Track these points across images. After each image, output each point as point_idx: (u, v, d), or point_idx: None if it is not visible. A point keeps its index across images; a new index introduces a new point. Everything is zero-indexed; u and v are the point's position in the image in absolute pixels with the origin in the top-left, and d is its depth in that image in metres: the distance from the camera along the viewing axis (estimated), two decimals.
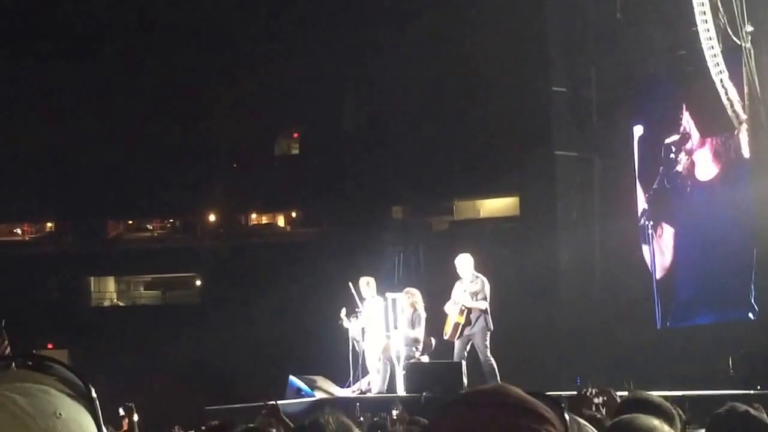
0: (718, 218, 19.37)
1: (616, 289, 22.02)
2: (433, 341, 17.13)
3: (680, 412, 5.32)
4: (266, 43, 31.27)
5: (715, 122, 18.77)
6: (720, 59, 17.39)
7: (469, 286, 16.24)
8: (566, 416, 1.72)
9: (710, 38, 17.33)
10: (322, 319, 21.37)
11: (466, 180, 30.01)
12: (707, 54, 17.37)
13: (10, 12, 31.35)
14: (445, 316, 16.57)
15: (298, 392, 17.81)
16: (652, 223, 20.92)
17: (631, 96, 22.17)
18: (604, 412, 6.61)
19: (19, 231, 36.99)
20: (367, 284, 17.57)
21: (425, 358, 17.08)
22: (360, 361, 17.81)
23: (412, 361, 16.79)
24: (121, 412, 11.02)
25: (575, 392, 7.99)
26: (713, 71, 17.43)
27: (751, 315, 18.53)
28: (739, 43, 17.49)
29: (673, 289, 20.64)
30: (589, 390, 7.23)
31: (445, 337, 16.57)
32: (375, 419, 11.07)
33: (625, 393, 6.72)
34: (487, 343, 16.27)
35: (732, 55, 17.59)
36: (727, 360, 17.80)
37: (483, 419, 1.64)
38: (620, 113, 22.40)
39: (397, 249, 24.81)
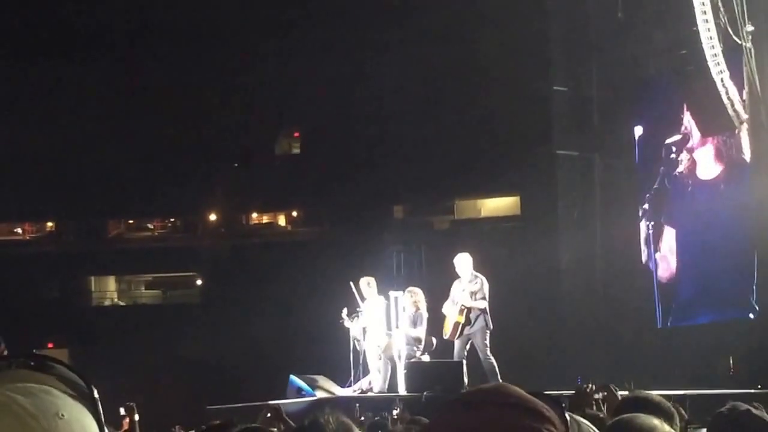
0: (719, 218, 19.37)
1: (616, 289, 22.03)
2: (434, 340, 17.14)
3: (682, 411, 5.32)
4: (267, 42, 31.25)
5: (715, 122, 18.77)
6: (721, 59, 17.39)
7: (468, 286, 16.25)
8: (566, 415, 1.71)
9: (711, 38, 17.33)
10: (323, 318, 21.37)
11: (467, 179, 30.01)
12: (708, 53, 17.37)
13: (10, 12, 31.35)
14: (443, 315, 16.58)
15: (299, 392, 17.81)
16: (652, 223, 20.91)
17: (631, 95, 22.18)
18: (605, 409, 6.62)
19: (19, 230, 36.98)
20: (367, 284, 17.57)
21: (426, 358, 17.09)
22: (361, 361, 17.81)
23: (412, 360, 16.80)
24: (122, 411, 11.01)
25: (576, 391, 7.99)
26: (714, 71, 17.43)
27: (751, 315, 18.54)
28: (739, 42, 17.48)
29: (673, 289, 20.64)
30: (590, 386, 7.24)
31: (445, 337, 16.58)
32: (376, 419, 11.07)
33: (626, 393, 6.72)
34: (487, 342, 16.28)
35: (732, 54, 17.58)
36: (727, 359, 17.82)
37: (483, 418, 1.64)
38: (621, 113, 22.40)
39: (398, 248, 24.77)
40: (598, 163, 23.22)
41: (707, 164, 19.78)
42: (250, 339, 28.64)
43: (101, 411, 1.53)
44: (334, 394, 17.76)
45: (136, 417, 10.30)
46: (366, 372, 17.70)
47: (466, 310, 16.21)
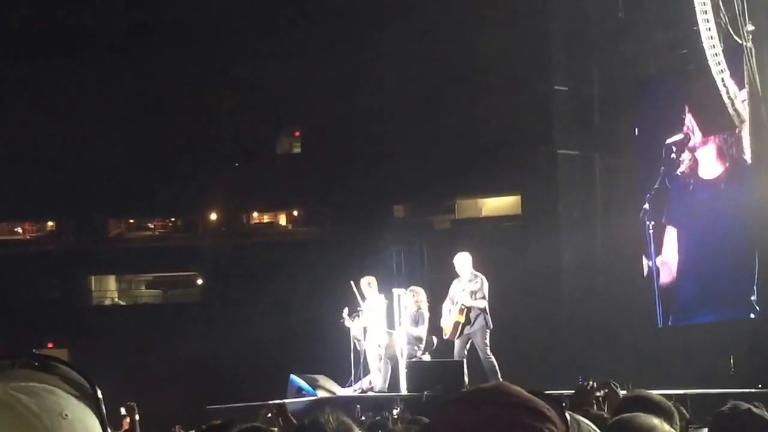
0: (720, 217, 19.37)
1: (617, 288, 22.02)
2: (435, 340, 17.15)
3: (683, 411, 5.32)
4: (268, 42, 31.25)
5: (715, 121, 18.77)
6: (721, 58, 17.39)
7: (469, 285, 16.26)
8: (567, 415, 1.71)
9: (711, 37, 17.34)
10: (324, 318, 21.37)
11: (467, 179, 30.01)
12: (708, 53, 17.37)
13: (10, 12, 31.35)
14: (442, 315, 16.60)
15: (299, 391, 17.82)
16: (653, 222, 20.91)
17: (632, 95, 22.18)
18: (605, 408, 6.61)
19: (19, 230, 36.98)
20: (368, 284, 17.58)
21: (427, 357, 17.10)
22: (361, 361, 17.82)
23: (413, 360, 16.81)
24: (123, 411, 11.01)
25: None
26: (714, 70, 17.43)
27: (752, 314, 18.54)
28: (740, 42, 17.48)
29: (674, 289, 20.64)
30: (590, 384, 7.24)
31: (445, 337, 16.59)
32: (376, 418, 11.07)
33: (625, 392, 6.72)
34: (487, 341, 16.29)
35: (733, 54, 17.59)
36: (728, 359, 17.82)
37: (484, 418, 1.64)
38: (622, 112, 22.41)
39: (399, 248, 24.75)
40: (599, 162, 23.22)
41: (709, 163, 19.78)
42: (250, 338, 28.63)
43: (104, 411, 1.53)
44: (334, 393, 17.77)
45: (137, 417, 10.30)
46: (366, 371, 17.70)
47: (466, 309, 16.22)
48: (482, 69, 27.30)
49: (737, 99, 17.87)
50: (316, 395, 17.42)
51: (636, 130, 21.85)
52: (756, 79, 17.61)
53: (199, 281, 36.93)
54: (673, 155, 20.44)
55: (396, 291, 17.54)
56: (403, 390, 16.56)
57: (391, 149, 30.15)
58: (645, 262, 21.14)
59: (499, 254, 23.51)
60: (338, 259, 26.79)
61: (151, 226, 38.08)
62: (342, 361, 18.46)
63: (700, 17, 17.29)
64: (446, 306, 16.52)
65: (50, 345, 31.24)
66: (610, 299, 22.22)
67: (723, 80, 17.52)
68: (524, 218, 28.93)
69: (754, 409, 4.57)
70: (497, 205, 33.02)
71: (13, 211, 34.37)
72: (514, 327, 20.44)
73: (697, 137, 20.01)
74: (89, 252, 34.52)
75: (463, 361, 16.11)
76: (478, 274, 16.44)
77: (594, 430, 2.29)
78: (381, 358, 17.27)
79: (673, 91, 20.57)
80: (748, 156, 18.69)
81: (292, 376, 18.34)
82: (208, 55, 31.80)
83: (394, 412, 12.23)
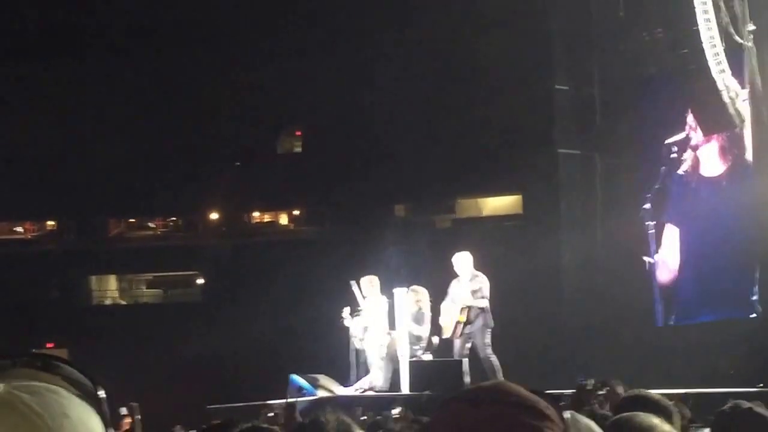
0: (722, 216, 19.38)
1: (618, 288, 22.02)
2: (436, 340, 17.15)
3: (685, 410, 5.32)
4: (268, 41, 31.23)
5: (716, 121, 18.79)
6: (722, 58, 17.41)
7: (469, 285, 16.28)
8: (566, 414, 1.71)
9: (712, 37, 17.35)
10: (325, 317, 21.36)
11: (468, 178, 29.98)
12: (709, 53, 17.38)
13: (10, 12, 31.35)
14: (442, 314, 16.60)
15: (300, 391, 17.81)
16: (654, 222, 20.91)
17: (633, 94, 22.19)
18: (606, 406, 6.62)
19: (20, 229, 36.96)
20: (370, 282, 17.59)
21: (428, 357, 17.10)
22: (362, 360, 17.81)
23: (413, 359, 16.81)
24: (124, 411, 11.03)
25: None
26: (715, 70, 17.44)
27: (753, 314, 18.54)
28: (741, 41, 17.50)
29: (675, 288, 20.65)
30: (590, 382, 7.25)
31: (445, 336, 16.60)
32: (377, 418, 11.08)
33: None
34: (487, 340, 16.31)
35: (734, 53, 17.60)
36: (728, 358, 17.81)
37: (483, 417, 1.64)
38: (622, 112, 22.42)
39: (400, 247, 24.75)
40: (600, 162, 23.23)
41: (711, 161, 19.79)
42: (251, 338, 28.62)
43: (107, 413, 1.53)
44: (335, 393, 17.77)
45: (138, 416, 10.32)
46: (367, 371, 17.70)
47: (466, 309, 16.24)
48: (482, 69, 27.28)
49: (738, 99, 17.89)
50: (316, 395, 17.42)
51: (637, 129, 21.86)
52: (757, 79, 17.62)
53: (200, 281, 36.92)
54: (674, 155, 20.45)
55: (397, 290, 17.54)
56: (404, 390, 16.57)
57: (391, 149, 30.13)
58: (645, 261, 21.14)
59: (499, 254, 23.50)
60: (339, 258, 26.77)
61: (151, 225, 38.04)
62: (342, 360, 18.46)
63: (700, 17, 17.30)
64: (446, 305, 16.53)
65: (50, 345, 31.21)
66: (611, 299, 22.22)
67: (724, 80, 17.54)
68: (525, 218, 28.93)
69: (756, 408, 4.58)
70: (498, 204, 32.99)
71: (13, 211, 34.35)
72: (515, 326, 20.44)
73: (699, 135, 20.02)
74: (89, 251, 34.50)
75: (463, 361, 16.11)
76: (479, 273, 16.46)
77: (593, 429, 2.29)
78: (382, 357, 17.27)
79: (674, 90, 20.58)
80: (749, 155, 18.70)
81: (293, 376, 18.34)
82: (209, 55, 31.78)
83: (395, 411, 12.22)
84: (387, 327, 17.38)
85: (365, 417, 12.53)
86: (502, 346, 16.99)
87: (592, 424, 2.31)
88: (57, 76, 31.69)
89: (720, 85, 17.59)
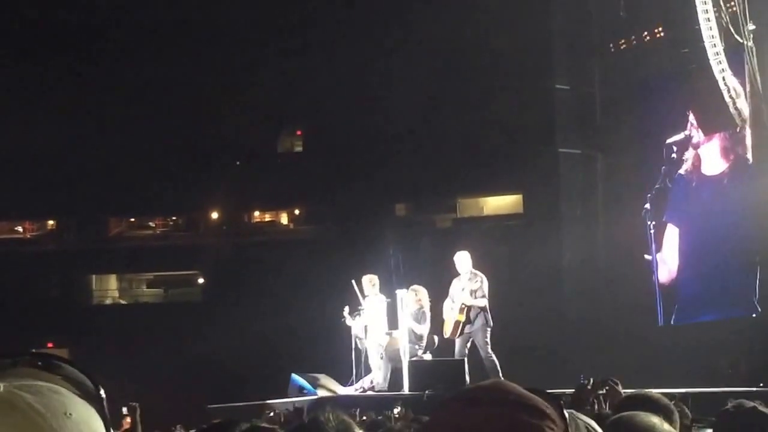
0: (722, 216, 19.37)
1: (619, 287, 22.03)
2: (436, 339, 17.14)
3: (686, 410, 5.31)
4: (270, 41, 31.23)
5: (717, 120, 18.79)
6: (722, 57, 17.41)
7: (468, 284, 16.27)
8: (566, 413, 1.71)
9: (713, 36, 17.35)
10: (325, 316, 21.37)
11: (469, 177, 29.99)
12: (710, 52, 17.39)
13: (10, 12, 31.34)
14: (443, 314, 16.60)
15: (300, 390, 17.82)
16: (654, 222, 20.91)
17: (633, 94, 22.18)
18: (606, 405, 6.62)
19: (20, 229, 36.95)
20: (370, 282, 17.58)
21: (428, 356, 17.10)
22: (363, 359, 17.81)
23: (414, 359, 16.81)
24: (124, 410, 11.03)
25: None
26: (716, 69, 17.44)
27: (754, 314, 18.54)
28: (741, 41, 17.49)
29: (676, 287, 20.64)
30: (590, 381, 7.25)
31: (446, 336, 16.60)
32: (378, 417, 11.07)
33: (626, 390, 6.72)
34: (488, 339, 16.30)
35: (734, 53, 17.60)
36: (729, 358, 17.81)
37: (483, 416, 1.64)
38: (623, 111, 22.42)
39: (400, 247, 24.77)
40: (601, 161, 23.24)
41: (713, 160, 19.78)
42: (251, 337, 28.62)
43: (108, 412, 1.53)
44: (335, 392, 17.77)
45: (138, 416, 10.31)
46: (368, 370, 17.70)
47: (466, 308, 16.24)
48: (483, 68, 27.29)
49: (738, 98, 17.89)
50: (317, 394, 17.42)
51: (638, 128, 21.85)
52: (757, 78, 17.62)
53: (201, 280, 36.90)
54: (674, 154, 20.44)
55: (397, 290, 17.54)
56: (405, 389, 16.56)
57: (392, 148, 30.13)
58: (646, 260, 21.14)
59: (500, 253, 23.53)
60: (340, 257, 26.75)
61: (152, 225, 38.03)
62: (343, 359, 18.45)
63: (701, 16, 17.30)
64: (447, 305, 16.53)
65: (50, 344, 31.20)
66: (611, 298, 22.23)
67: (724, 79, 17.53)
68: (526, 217, 28.93)
69: (759, 407, 4.58)
70: (499, 204, 32.99)
71: (13, 211, 34.35)
72: (515, 326, 20.44)
73: (700, 134, 20.01)
74: (90, 251, 34.50)
75: (463, 360, 16.11)
76: (478, 272, 16.45)
77: (593, 428, 2.29)
78: (382, 357, 17.26)
79: (675, 90, 20.58)
80: (750, 155, 18.70)
81: (294, 375, 18.35)
82: (209, 55, 31.78)
83: (395, 411, 12.21)
84: (386, 326, 17.38)
85: (365, 417, 12.52)
86: (503, 345, 16.98)
87: (592, 423, 2.31)
88: (57, 76, 31.68)
89: (720, 85, 17.59)
